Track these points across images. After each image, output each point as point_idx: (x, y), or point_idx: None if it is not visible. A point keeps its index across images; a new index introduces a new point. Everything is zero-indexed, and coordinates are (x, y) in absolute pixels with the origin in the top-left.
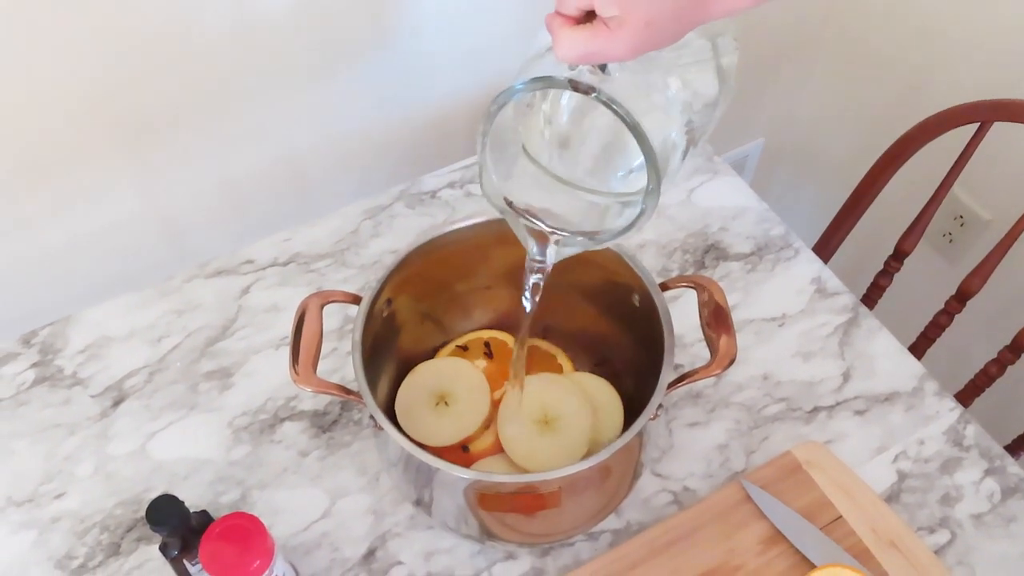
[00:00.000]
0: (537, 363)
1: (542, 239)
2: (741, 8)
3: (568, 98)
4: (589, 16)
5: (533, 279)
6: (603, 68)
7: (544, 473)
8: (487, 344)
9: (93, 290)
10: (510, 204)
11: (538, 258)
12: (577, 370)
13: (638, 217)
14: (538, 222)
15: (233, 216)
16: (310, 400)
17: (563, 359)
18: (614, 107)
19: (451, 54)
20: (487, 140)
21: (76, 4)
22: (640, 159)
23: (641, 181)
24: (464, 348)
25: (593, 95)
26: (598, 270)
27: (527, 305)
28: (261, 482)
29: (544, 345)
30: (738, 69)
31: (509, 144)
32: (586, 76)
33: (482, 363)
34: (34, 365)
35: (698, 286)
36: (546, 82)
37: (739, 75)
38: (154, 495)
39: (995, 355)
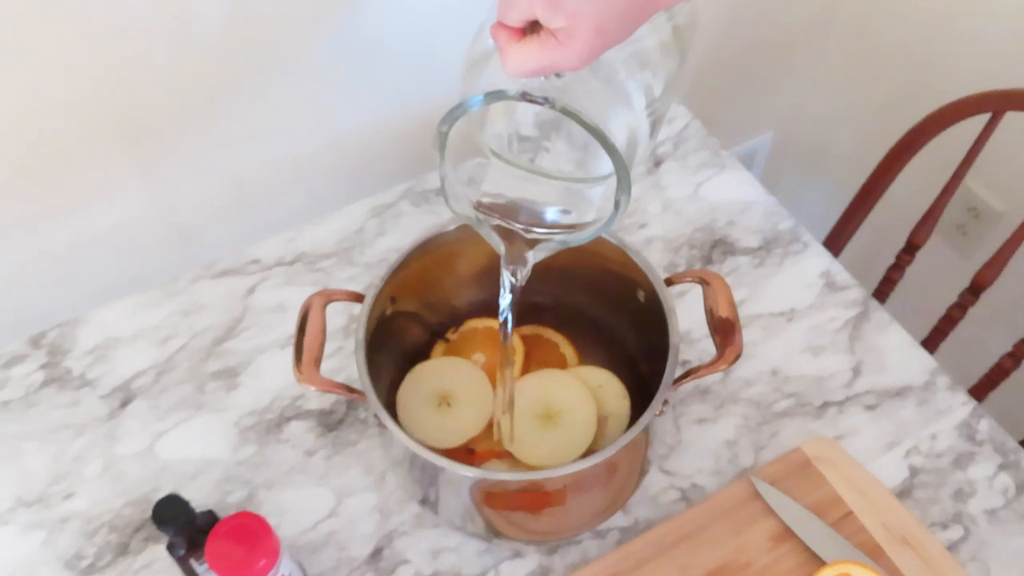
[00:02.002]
0: (541, 352)
1: (514, 241)
2: None
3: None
4: (534, 25)
5: (509, 282)
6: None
7: (549, 471)
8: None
9: (100, 291)
10: (480, 211)
11: (511, 263)
12: (584, 361)
13: (613, 214)
14: (512, 223)
15: (239, 216)
16: (316, 399)
17: (566, 348)
18: (572, 115)
19: (455, 50)
20: (444, 155)
21: (78, 4)
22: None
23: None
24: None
25: (548, 105)
26: (604, 264)
27: (504, 303)
28: (268, 481)
29: (548, 333)
30: (745, 62)
31: (469, 149)
32: (538, 82)
33: (481, 358)
34: (43, 366)
35: (703, 281)
36: (497, 96)
37: (747, 68)
38: (162, 495)
39: (1010, 348)
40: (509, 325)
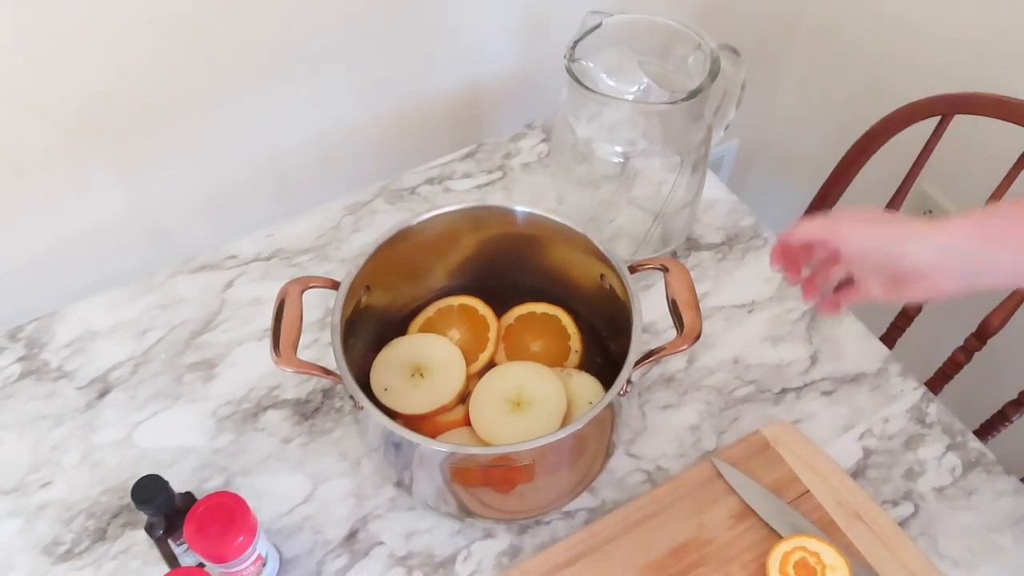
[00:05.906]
0: (542, 327)
1: None
2: None
3: None
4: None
5: None
6: None
7: (518, 444)
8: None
9: (79, 288)
10: None
11: None
12: (583, 341)
13: None
14: None
15: (217, 213)
16: (293, 389)
17: (575, 340)
18: None
19: (432, 54)
20: None
21: (55, 4)
22: None
23: None
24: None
25: None
26: (572, 251)
27: None
28: (245, 468)
29: (563, 319)
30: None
31: None
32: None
33: (456, 334)
34: (20, 359)
35: (664, 268)
36: None
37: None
38: None
39: (962, 343)
40: None
